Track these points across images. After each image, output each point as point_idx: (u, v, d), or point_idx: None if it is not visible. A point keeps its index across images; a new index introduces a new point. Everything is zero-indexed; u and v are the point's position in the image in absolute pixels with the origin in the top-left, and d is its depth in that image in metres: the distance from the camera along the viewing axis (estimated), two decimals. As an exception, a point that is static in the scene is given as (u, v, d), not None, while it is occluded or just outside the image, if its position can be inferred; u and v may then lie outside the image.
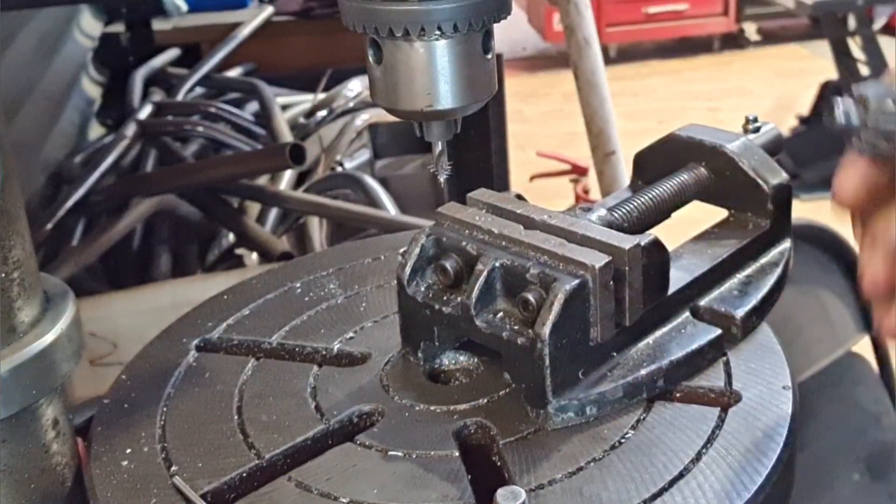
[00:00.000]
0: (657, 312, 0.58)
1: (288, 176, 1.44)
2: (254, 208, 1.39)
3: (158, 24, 2.05)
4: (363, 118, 1.62)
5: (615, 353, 0.58)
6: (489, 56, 0.54)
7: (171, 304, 0.94)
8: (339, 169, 1.48)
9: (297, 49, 2.00)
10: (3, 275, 0.51)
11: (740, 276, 0.66)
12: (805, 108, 3.69)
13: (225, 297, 0.74)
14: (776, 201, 0.67)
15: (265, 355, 0.66)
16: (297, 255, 1.25)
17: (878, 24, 3.51)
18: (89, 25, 1.99)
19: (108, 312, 1.00)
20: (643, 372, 0.57)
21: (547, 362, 0.54)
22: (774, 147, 0.71)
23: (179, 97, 1.76)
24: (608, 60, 1.89)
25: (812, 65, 4.66)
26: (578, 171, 2.94)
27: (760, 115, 0.73)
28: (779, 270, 0.66)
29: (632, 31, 5.02)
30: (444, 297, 0.59)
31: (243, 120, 1.66)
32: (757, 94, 4.50)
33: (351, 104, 1.71)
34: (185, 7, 2.07)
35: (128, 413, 0.61)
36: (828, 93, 3.52)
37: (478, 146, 1.36)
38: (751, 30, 5.19)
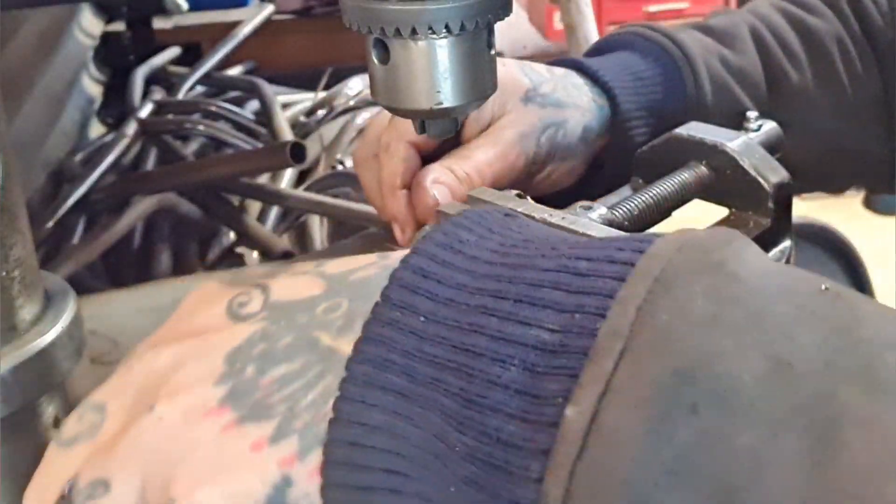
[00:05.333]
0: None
1: (289, 174, 1.44)
2: (254, 207, 1.39)
3: (159, 23, 2.05)
4: (364, 117, 1.62)
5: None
6: (492, 52, 0.55)
7: (171, 302, 0.94)
8: (340, 167, 1.48)
9: (298, 47, 2.01)
10: (4, 273, 0.51)
11: (741, 274, 0.65)
12: (806, 106, 3.68)
13: (225, 295, 0.74)
14: (777, 200, 0.67)
15: (266, 354, 0.66)
16: (298, 253, 1.25)
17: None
18: (90, 24, 1.99)
19: (108, 310, 1.00)
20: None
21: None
22: (775, 145, 0.71)
23: (180, 96, 1.76)
24: (609, 59, 1.88)
25: (813, 64, 4.64)
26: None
27: (761, 114, 0.73)
28: (779, 269, 0.66)
29: (632, 29, 5.01)
30: (445, 296, 0.59)
31: (244, 118, 1.66)
32: (757, 92, 4.48)
33: (351, 102, 1.71)
34: (185, 5, 2.07)
35: (128, 411, 0.61)
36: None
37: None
38: (751, 29, 5.18)
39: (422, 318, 0.34)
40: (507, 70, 0.72)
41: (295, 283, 0.40)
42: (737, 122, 0.72)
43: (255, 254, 1.29)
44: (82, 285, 1.14)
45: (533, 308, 0.32)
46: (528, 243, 0.36)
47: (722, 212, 0.69)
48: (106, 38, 2.02)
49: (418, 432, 0.33)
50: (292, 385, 0.36)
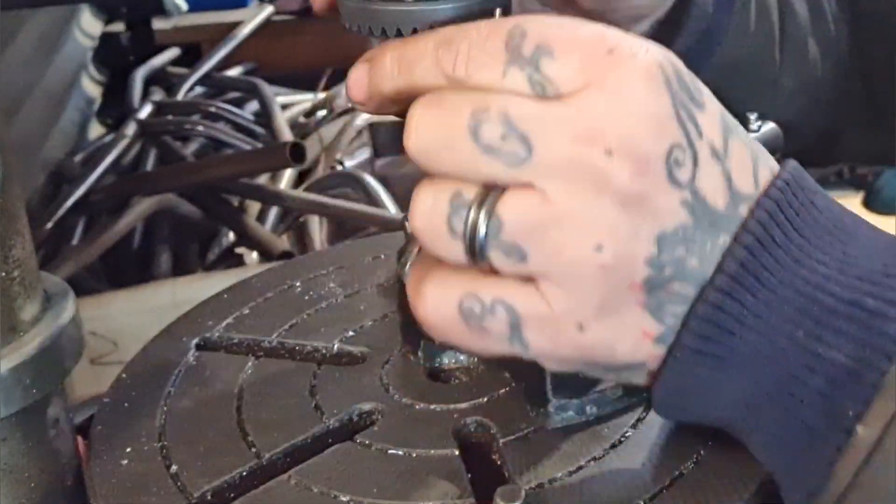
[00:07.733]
0: (657, 311, 0.58)
1: (288, 175, 1.44)
2: (254, 207, 1.39)
3: (158, 24, 2.05)
4: (363, 117, 1.62)
5: (615, 352, 0.58)
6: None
7: (171, 302, 0.94)
8: (340, 168, 1.48)
9: (298, 48, 2.01)
10: (4, 274, 0.51)
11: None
12: (805, 107, 3.68)
13: (225, 295, 0.74)
14: (776, 200, 0.67)
15: (265, 354, 0.66)
16: (298, 253, 1.25)
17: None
18: (89, 25, 2.00)
19: (108, 311, 1.00)
20: (643, 371, 0.57)
21: (547, 361, 0.54)
22: (774, 146, 0.71)
23: (179, 96, 1.76)
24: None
25: (812, 64, 4.64)
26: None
27: (760, 115, 0.73)
28: (779, 269, 0.66)
29: (632, 30, 5.00)
30: (445, 296, 0.59)
31: (243, 119, 1.66)
32: (757, 93, 4.48)
33: (351, 103, 1.71)
34: (185, 6, 2.07)
35: (128, 412, 0.61)
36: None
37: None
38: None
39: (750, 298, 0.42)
40: None
41: (713, 178, 0.42)
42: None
43: (255, 254, 1.29)
44: (82, 286, 1.14)
45: (833, 333, 0.41)
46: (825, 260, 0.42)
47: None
48: (105, 38, 2.02)
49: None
50: (686, 306, 0.43)
